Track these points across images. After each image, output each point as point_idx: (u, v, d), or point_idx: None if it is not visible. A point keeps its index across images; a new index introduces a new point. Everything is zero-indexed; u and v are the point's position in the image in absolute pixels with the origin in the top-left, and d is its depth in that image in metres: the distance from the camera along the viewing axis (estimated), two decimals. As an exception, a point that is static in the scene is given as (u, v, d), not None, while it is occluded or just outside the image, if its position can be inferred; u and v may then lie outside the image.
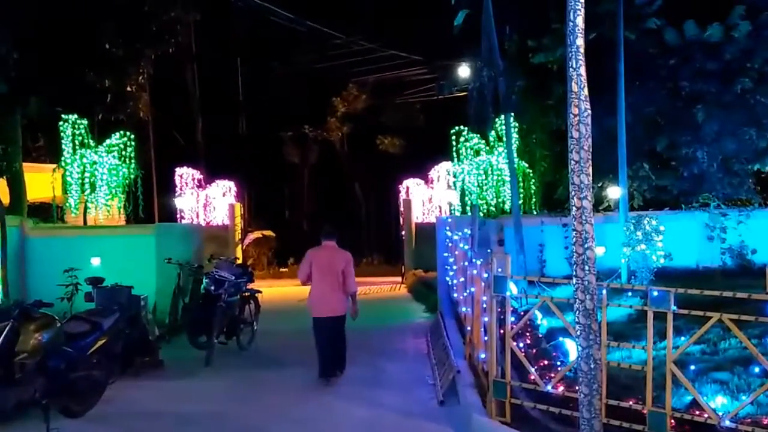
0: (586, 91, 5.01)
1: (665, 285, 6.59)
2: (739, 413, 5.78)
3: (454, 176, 21.94)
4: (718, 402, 6.33)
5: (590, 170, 5.08)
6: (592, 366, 4.90)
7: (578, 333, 5.01)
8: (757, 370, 5.76)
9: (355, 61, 30.89)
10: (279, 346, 11.89)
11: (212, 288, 11.10)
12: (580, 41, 5.05)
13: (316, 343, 9.66)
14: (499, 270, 7.15)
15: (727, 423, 5.73)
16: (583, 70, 5.01)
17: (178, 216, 23.27)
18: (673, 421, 5.92)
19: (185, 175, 23.61)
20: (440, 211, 22.86)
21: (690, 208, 17.72)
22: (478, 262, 8.32)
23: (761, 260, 15.24)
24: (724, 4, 18.07)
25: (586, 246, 5.00)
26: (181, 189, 23.45)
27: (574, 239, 5.07)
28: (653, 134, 18.91)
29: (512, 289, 8.91)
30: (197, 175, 23.96)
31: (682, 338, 6.41)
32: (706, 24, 17.98)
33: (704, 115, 18.00)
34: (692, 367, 6.51)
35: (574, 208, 5.09)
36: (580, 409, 4.98)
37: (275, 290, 17.77)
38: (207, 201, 24.08)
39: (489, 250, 8.35)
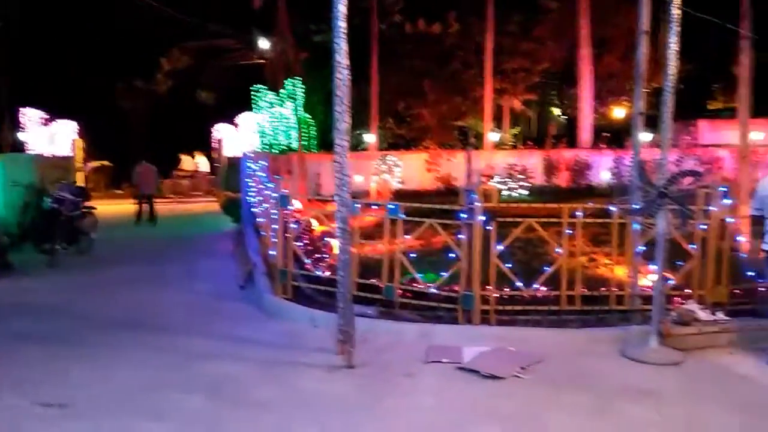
0: (346, 61, 4.99)
1: (400, 201, 6.92)
2: (440, 284, 6.30)
3: (256, 123, 21.27)
4: (429, 276, 6.84)
5: (348, 119, 5.11)
6: (346, 257, 5.05)
7: (338, 234, 5.12)
8: (452, 255, 6.25)
9: (179, 29, 28.35)
10: (114, 251, 10.94)
11: (55, 205, 9.93)
12: (342, 24, 5.00)
13: (139, 204, 14.66)
14: (284, 191, 7.09)
15: (433, 290, 6.25)
16: (344, 45, 4.98)
17: (24, 148, 20.47)
18: (400, 290, 6.33)
19: (30, 114, 20.73)
20: (245, 148, 22.11)
21: (417, 149, 18.72)
22: (271, 185, 8.16)
23: (460, 185, 16.56)
24: (444, 7, 18.89)
25: (343, 173, 5.08)
26: (26, 126, 20.61)
27: (336, 169, 5.12)
28: (395, 99, 19.58)
29: (297, 204, 8.91)
30: (42, 114, 21.13)
31: (408, 236, 6.78)
32: (432, 21, 18.69)
33: (429, 86, 18.88)
34: (413, 255, 6.92)
35: (337, 147, 5.13)
36: (338, 286, 5.13)
37: (112, 208, 16.22)
38: (52, 136, 21.46)
39: (277, 177, 8.19)
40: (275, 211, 7.41)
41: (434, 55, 19.34)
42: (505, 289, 6.07)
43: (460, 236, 6.04)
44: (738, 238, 6.39)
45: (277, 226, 7.24)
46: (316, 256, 7.98)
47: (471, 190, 6.02)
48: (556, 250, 6.23)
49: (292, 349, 5.54)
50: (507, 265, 6.10)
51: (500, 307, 5.95)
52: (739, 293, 6.04)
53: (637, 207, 5.76)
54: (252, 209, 12.08)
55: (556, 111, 26.57)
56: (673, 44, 5.60)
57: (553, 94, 25.13)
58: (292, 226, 7.10)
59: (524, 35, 20.13)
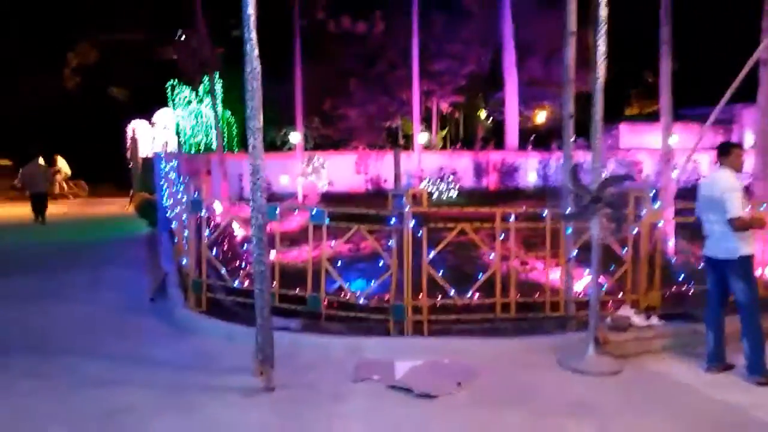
0: (256, 53, 4.51)
1: (327, 205, 6.48)
2: (369, 293, 5.94)
3: (173, 121, 20.18)
4: (358, 285, 6.45)
5: (261, 117, 4.63)
6: (263, 269, 4.57)
7: (254, 243, 4.62)
8: (381, 263, 5.91)
9: (88, 22, 26.46)
10: (7, 258, 9.87)
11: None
12: (251, 11, 4.50)
13: (32, 205, 14.26)
14: (196, 194, 6.49)
15: (362, 300, 5.86)
16: (254, 35, 4.50)
17: None
18: (326, 301, 5.91)
19: None
20: (161, 147, 20.89)
21: (346, 150, 18.32)
22: (182, 188, 7.49)
23: (389, 187, 16.31)
24: (368, 6, 18.62)
25: (258, 176, 4.61)
26: None
27: (250, 171, 4.63)
28: (321, 98, 19.12)
29: (219, 206, 8.28)
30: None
31: (334, 241, 6.37)
32: (356, 20, 18.38)
33: (355, 86, 18.54)
34: (339, 263, 6.53)
35: (251, 146, 4.64)
36: (255, 299, 4.64)
37: (10, 211, 14.87)
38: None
39: (191, 178, 7.53)
40: (185, 216, 6.79)
41: (360, 54, 19.01)
42: (438, 298, 5.76)
43: (389, 243, 5.68)
44: (668, 242, 6.40)
45: (187, 233, 6.62)
46: (237, 264, 7.42)
47: (400, 195, 5.67)
48: (490, 256, 5.99)
49: (205, 371, 4.98)
50: (439, 271, 5.80)
51: (433, 317, 5.64)
52: (668, 297, 6.02)
53: (571, 212, 5.62)
54: (167, 213, 11.28)
55: (483, 114, 26.92)
56: (601, 45, 5.48)
57: (480, 97, 25.41)
58: (205, 233, 6.49)
59: (449, 37, 20.16)
